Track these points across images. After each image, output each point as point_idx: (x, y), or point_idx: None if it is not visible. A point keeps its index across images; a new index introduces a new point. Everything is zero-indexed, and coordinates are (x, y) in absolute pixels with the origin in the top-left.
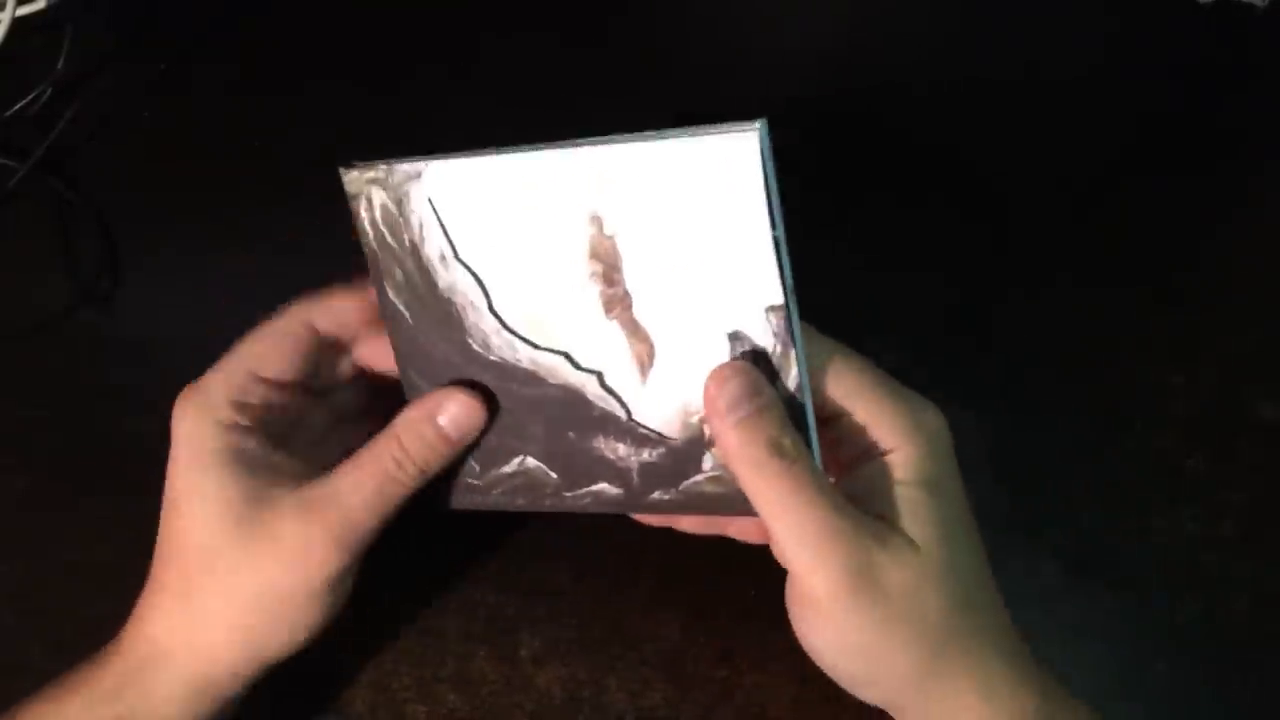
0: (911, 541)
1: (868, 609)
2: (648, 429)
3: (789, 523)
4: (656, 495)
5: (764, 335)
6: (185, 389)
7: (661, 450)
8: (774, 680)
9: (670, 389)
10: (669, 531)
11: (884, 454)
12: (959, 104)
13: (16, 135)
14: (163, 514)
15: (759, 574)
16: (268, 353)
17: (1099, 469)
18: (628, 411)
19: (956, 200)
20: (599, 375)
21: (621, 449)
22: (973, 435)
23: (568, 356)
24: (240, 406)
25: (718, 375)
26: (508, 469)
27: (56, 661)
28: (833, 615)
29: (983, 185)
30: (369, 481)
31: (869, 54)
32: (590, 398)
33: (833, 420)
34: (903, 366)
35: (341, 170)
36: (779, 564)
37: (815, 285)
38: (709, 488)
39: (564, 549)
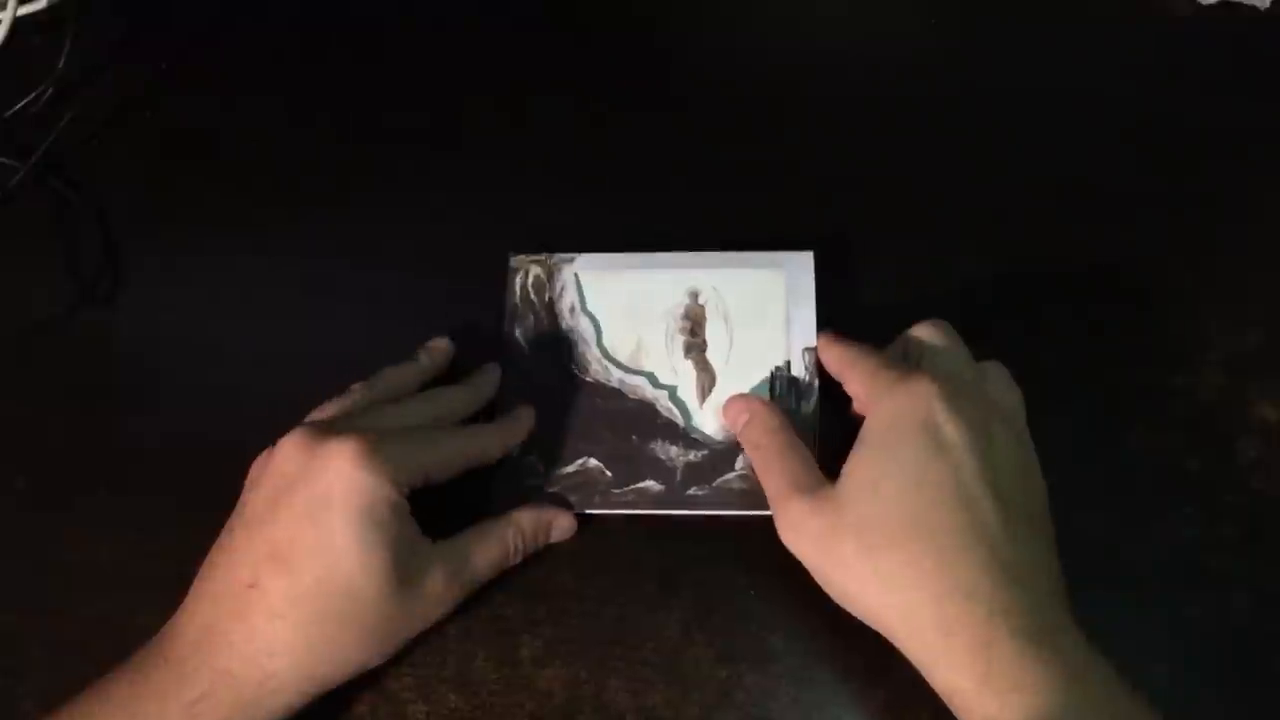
0: (836, 497)
1: (803, 549)
2: (698, 434)
3: (765, 491)
4: (693, 490)
5: (799, 368)
6: (372, 440)
7: (705, 452)
8: (774, 680)
9: (720, 408)
10: (669, 532)
11: (872, 417)
12: (959, 107)
13: (17, 135)
14: (312, 553)
15: (759, 574)
16: (444, 466)
17: (1100, 470)
18: (686, 419)
19: (957, 201)
20: (671, 390)
21: (673, 450)
22: None
23: (650, 377)
24: (408, 485)
25: (725, 405)
26: (570, 469)
27: (56, 661)
28: (793, 552)
29: (982, 184)
30: (494, 552)
31: (868, 63)
32: (660, 408)
33: (845, 384)
34: None
35: (511, 255)
36: (778, 564)
37: (823, 296)
38: (736, 484)
39: (565, 550)
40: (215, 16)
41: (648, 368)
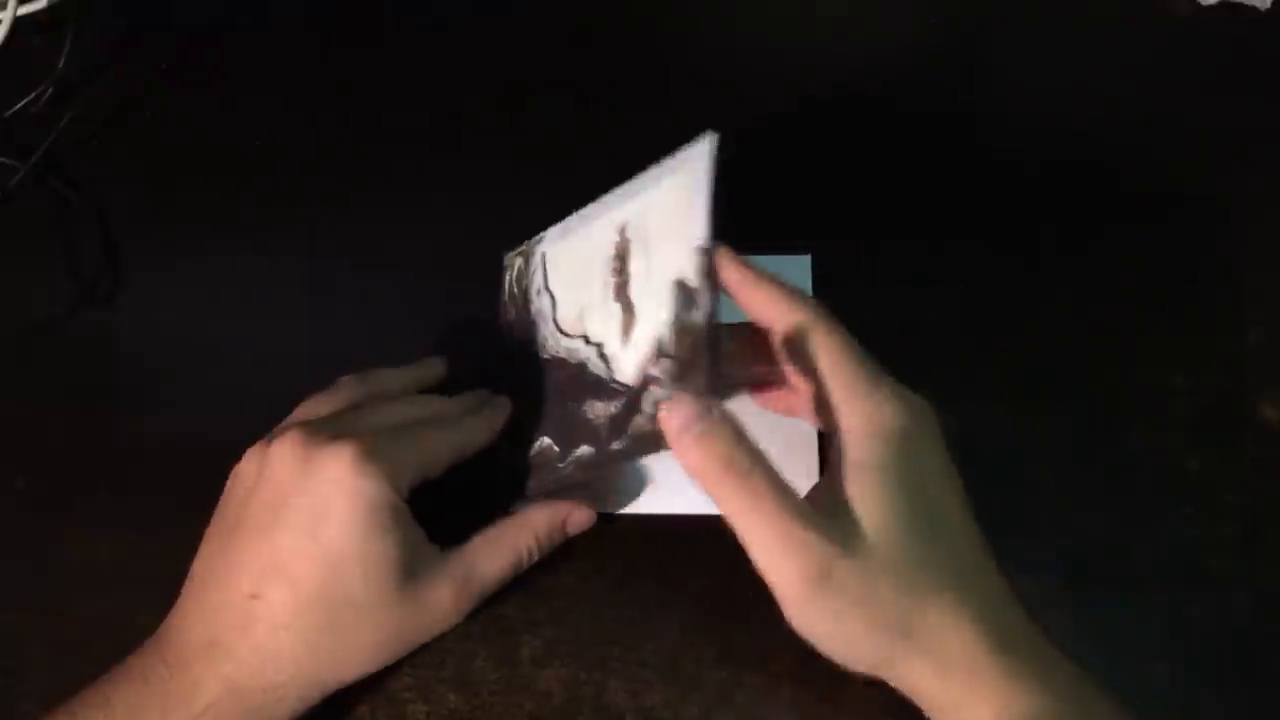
0: (863, 535)
1: (825, 606)
2: (618, 383)
3: (749, 533)
4: (615, 445)
5: (693, 275)
6: (367, 444)
7: (622, 400)
8: (774, 680)
9: (638, 345)
10: (669, 532)
11: (850, 431)
12: (959, 107)
13: (17, 135)
14: (314, 563)
15: (759, 574)
16: (441, 460)
17: (1100, 470)
18: (610, 372)
19: (956, 200)
20: (600, 346)
21: (599, 406)
22: (976, 436)
23: (585, 338)
24: (408, 487)
25: (669, 403)
26: (532, 451)
27: (56, 661)
28: (794, 610)
29: (982, 184)
30: (504, 558)
31: (868, 63)
32: (591, 367)
33: (817, 390)
34: (910, 369)
35: (504, 254)
36: None
37: (833, 294)
38: (647, 426)
39: (564, 550)
40: (215, 16)
41: (585, 328)
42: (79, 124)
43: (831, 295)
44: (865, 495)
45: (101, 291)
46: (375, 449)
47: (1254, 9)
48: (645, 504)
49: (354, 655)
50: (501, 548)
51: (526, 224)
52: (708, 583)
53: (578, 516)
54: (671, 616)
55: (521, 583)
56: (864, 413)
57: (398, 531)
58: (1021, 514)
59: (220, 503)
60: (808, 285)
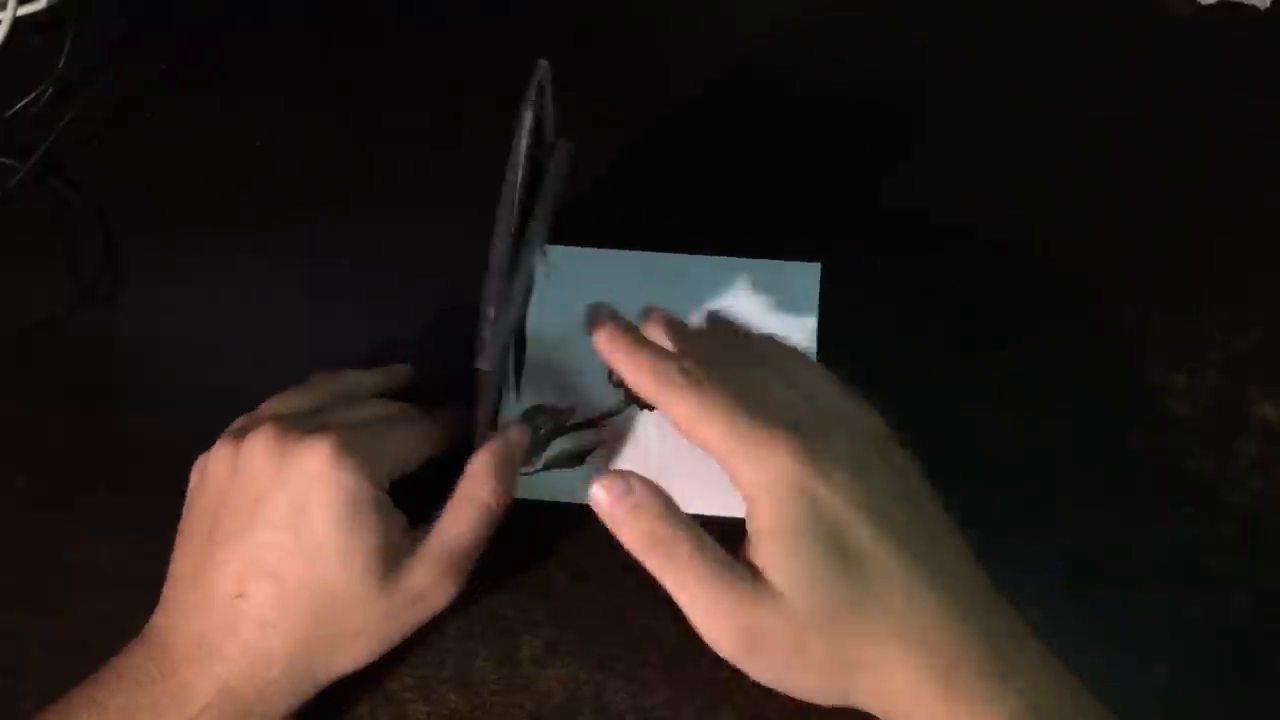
0: (782, 594)
1: (761, 662)
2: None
3: (683, 598)
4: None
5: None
6: (344, 438)
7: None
8: None
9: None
10: None
11: (744, 489)
12: (958, 108)
13: (17, 135)
14: (296, 559)
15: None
16: (415, 453)
17: (1100, 470)
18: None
19: (955, 200)
20: None
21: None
22: (976, 436)
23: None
24: (387, 480)
25: (600, 482)
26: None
27: (56, 661)
28: (739, 664)
29: (981, 184)
30: (471, 515)
31: (868, 65)
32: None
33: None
34: (912, 370)
35: None
36: None
37: (836, 296)
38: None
39: (564, 549)
40: (215, 16)
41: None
42: (79, 124)
43: (835, 298)
44: (776, 555)
45: (101, 291)
46: (352, 442)
47: (1254, 9)
48: None
49: (345, 648)
50: (463, 506)
51: None
52: None
53: (513, 432)
54: (671, 616)
55: (521, 583)
56: (747, 472)
57: (380, 523)
58: (1021, 514)
59: (190, 498)
60: (815, 292)
